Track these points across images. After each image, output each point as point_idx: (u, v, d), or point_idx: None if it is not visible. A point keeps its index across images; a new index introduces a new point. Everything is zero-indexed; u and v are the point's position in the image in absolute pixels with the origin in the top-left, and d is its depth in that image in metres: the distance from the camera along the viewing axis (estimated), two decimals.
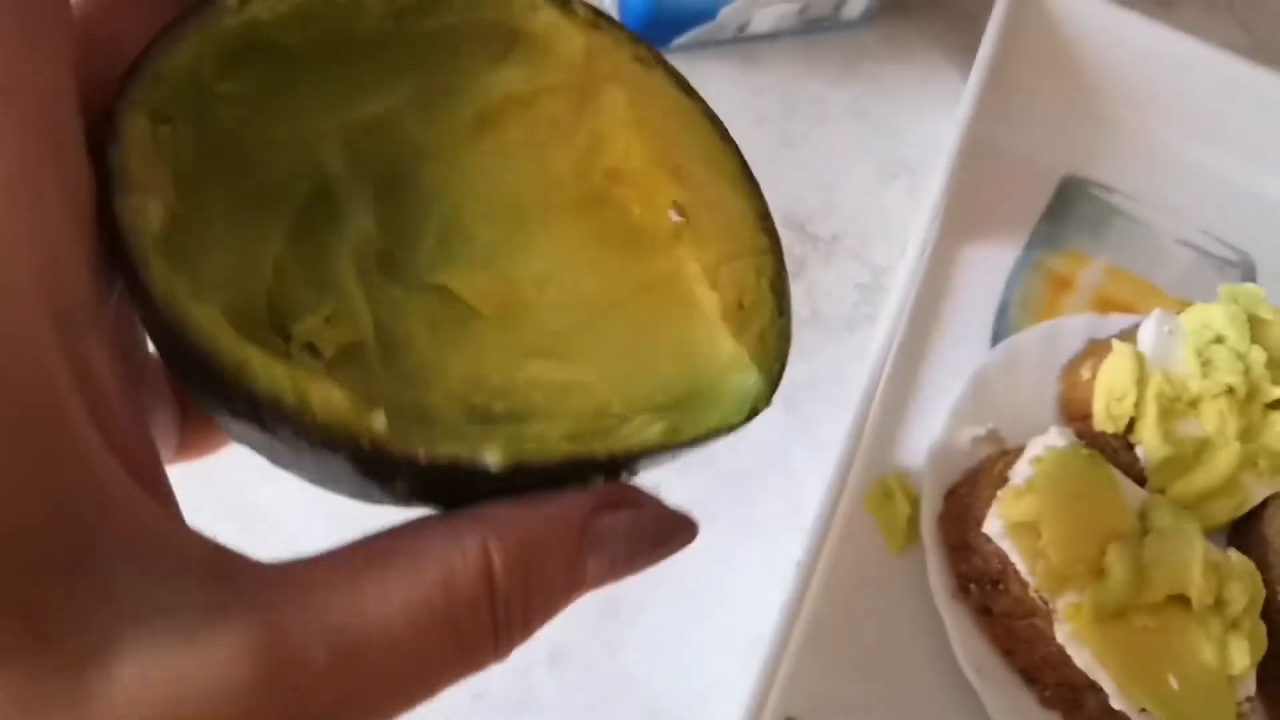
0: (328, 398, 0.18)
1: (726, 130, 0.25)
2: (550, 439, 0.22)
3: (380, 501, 0.20)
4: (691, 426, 0.22)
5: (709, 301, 0.24)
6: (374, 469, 0.18)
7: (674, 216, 0.24)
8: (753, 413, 0.23)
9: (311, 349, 0.22)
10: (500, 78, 0.25)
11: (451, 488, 0.19)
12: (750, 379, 0.23)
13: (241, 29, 0.21)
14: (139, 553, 0.15)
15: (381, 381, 0.23)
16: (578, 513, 0.19)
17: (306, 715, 0.16)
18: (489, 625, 0.18)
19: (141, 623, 0.14)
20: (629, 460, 0.21)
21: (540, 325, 0.25)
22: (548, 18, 0.25)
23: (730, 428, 0.22)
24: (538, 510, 0.19)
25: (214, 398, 0.18)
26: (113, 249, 0.17)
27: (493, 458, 0.19)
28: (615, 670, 0.36)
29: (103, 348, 0.16)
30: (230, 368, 0.17)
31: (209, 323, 0.18)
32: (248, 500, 0.37)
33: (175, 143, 0.19)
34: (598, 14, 0.24)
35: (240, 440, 0.19)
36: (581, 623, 0.37)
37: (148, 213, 0.18)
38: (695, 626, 0.38)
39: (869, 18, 0.53)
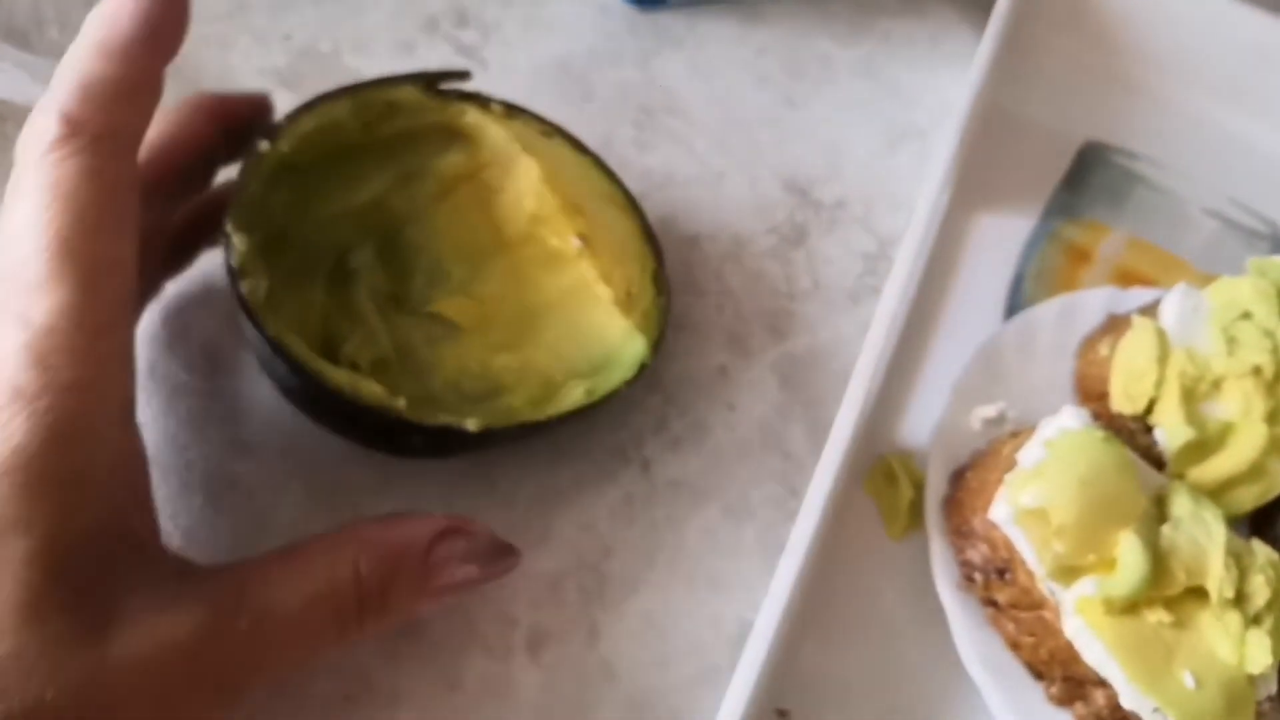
0: (371, 389, 0.31)
1: (612, 171, 0.39)
2: (514, 408, 0.34)
3: (403, 454, 0.35)
4: (603, 385, 0.34)
5: (606, 295, 0.36)
6: (399, 430, 0.32)
7: (576, 242, 0.36)
8: (642, 368, 0.35)
9: (354, 365, 0.34)
10: (449, 161, 0.37)
11: (447, 443, 0.33)
12: (638, 344, 0.35)
13: (276, 161, 0.33)
14: (143, 567, 0.26)
15: (400, 378, 0.34)
16: (424, 536, 0.29)
17: (233, 659, 0.26)
18: (355, 611, 0.28)
19: (136, 602, 0.25)
20: (560, 421, 0.33)
21: (502, 327, 0.37)
22: (474, 116, 0.37)
23: (627, 384, 0.35)
24: (395, 532, 0.29)
25: (304, 393, 0.32)
26: (240, 312, 0.31)
27: (472, 424, 0.32)
28: (597, 658, 0.34)
29: (137, 431, 0.28)
30: (315, 374, 0.31)
31: (301, 350, 0.31)
32: (225, 476, 0.36)
33: (258, 244, 0.32)
34: (509, 106, 0.37)
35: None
36: (563, 607, 0.35)
37: (258, 290, 0.31)
38: (683, 613, 0.36)
39: None
